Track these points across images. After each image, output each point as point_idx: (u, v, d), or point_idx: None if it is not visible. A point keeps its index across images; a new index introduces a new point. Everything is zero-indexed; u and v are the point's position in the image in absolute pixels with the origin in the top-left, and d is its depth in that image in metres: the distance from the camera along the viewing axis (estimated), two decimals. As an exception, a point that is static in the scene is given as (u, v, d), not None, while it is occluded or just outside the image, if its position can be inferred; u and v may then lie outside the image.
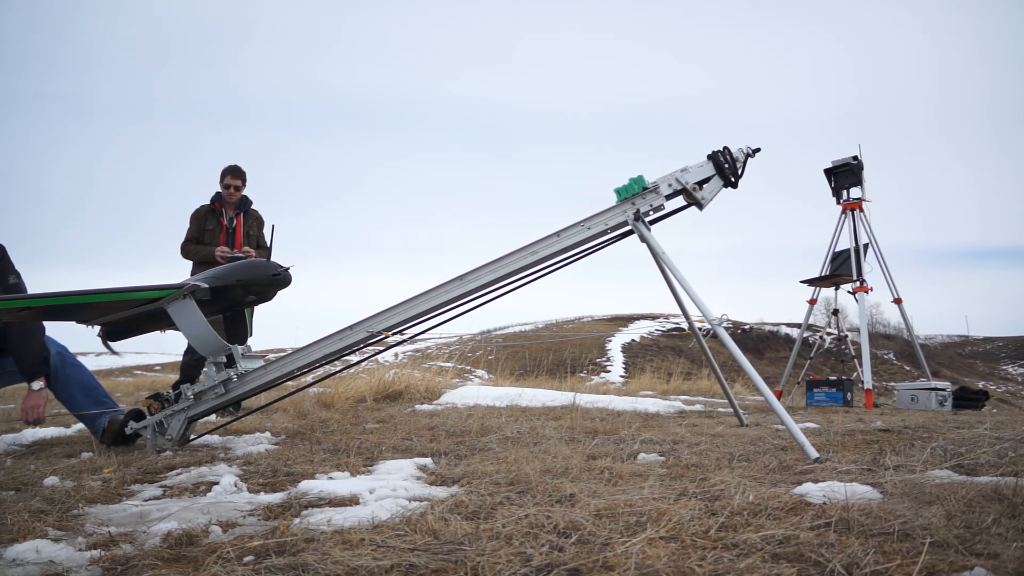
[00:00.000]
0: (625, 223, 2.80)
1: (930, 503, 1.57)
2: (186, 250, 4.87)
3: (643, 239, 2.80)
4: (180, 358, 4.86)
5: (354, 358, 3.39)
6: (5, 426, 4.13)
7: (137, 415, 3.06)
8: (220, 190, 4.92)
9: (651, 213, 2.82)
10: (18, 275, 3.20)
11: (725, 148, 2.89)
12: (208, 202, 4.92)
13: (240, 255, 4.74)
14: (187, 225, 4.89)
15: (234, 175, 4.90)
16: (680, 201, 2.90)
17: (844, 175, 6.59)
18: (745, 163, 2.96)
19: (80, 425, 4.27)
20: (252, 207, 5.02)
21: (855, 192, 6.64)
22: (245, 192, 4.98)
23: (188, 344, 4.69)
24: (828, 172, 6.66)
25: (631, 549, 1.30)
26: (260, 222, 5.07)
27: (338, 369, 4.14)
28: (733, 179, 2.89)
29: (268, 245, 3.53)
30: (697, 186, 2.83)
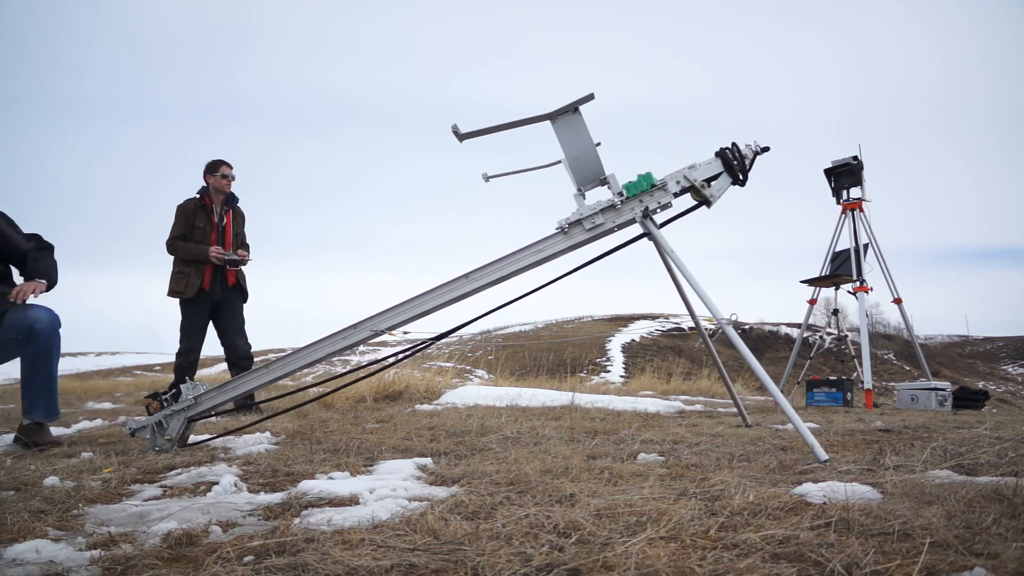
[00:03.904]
0: (633, 220, 2.78)
1: (930, 503, 1.56)
2: (174, 247, 4.67)
3: (651, 237, 2.78)
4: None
5: (373, 355, 3.37)
6: (5, 426, 4.13)
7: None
8: (210, 184, 4.76)
9: (659, 210, 2.80)
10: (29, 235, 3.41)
11: (733, 144, 2.84)
12: (197, 195, 4.76)
13: (236, 258, 4.69)
14: (173, 220, 4.70)
15: (228, 165, 4.80)
16: (689, 202, 2.87)
17: (844, 175, 6.59)
18: (753, 160, 2.90)
19: (80, 425, 4.28)
20: (238, 204, 4.91)
21: (855, 192, 6.65)
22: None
23: (180, 347, 4.67)
24: (828, 172, 6.67)
25: (631, 549, 1.29)
26: (244, 219, 5.00)
27: (375, 370, 3.88)
28: (741, 176, 2.83)
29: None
30: (705, 183, 2.80)
